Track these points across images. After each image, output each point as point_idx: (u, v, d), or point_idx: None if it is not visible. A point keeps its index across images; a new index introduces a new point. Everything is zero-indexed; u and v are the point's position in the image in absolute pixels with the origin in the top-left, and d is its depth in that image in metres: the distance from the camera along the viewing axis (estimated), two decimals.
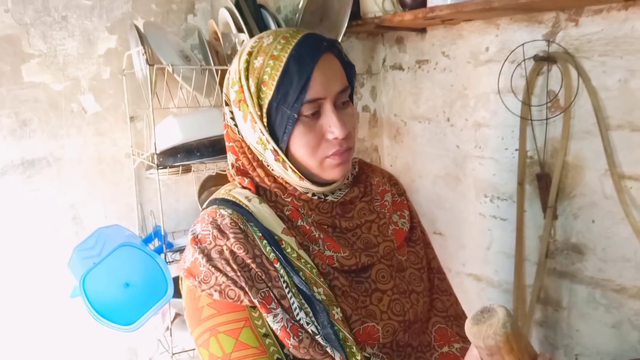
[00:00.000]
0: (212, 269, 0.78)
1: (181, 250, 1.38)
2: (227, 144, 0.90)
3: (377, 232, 0.89)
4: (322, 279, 0.81)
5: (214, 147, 1.33)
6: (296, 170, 0.83)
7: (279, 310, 0.77)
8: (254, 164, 0.86)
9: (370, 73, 1.89)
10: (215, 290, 0.78)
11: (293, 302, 0.78)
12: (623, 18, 1.20)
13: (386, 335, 0.83)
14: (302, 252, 0.82)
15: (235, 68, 0.84)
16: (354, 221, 0.89)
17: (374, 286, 0.85)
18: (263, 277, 0.79)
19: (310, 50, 0.80)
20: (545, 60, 1.32)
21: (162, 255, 1.33)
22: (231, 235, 0.79)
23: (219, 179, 1.53)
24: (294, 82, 0.79)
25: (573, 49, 1.28)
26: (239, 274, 0.77)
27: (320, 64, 0.80)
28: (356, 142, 0.88)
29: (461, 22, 1.53)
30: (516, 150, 1.43)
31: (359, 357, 0.78)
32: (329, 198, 0.87)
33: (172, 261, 1.37)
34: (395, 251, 0.90)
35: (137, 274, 1.28)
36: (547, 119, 1.34)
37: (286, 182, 0.86)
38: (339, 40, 1.53)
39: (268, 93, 0.80)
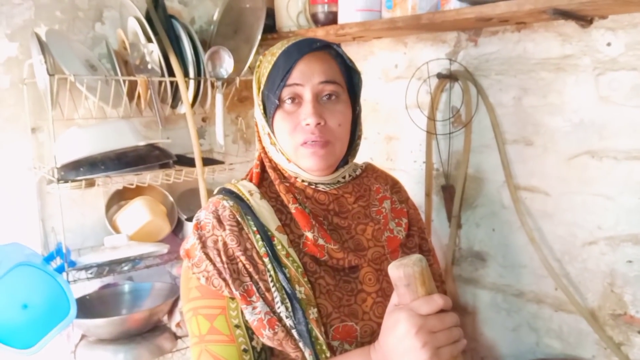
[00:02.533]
0: (204, 256, 0.85)
1: (86, 268, 1.33)
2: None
3: (370, 236, 0.95)
4: (305, 279, 0.86)
5: (120, 160, 1.29)
6: (284, 152, 0.91)
7: (259, 303, 0.84)
8: (265, 149, 0.96)
9: None
10: (203, 276, 0.85)
11: (276, 296, 0.84)
12: (516, 39, 1.28)
13: (364, 335, 0.88)
14: (291, 250, 0.88)
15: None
16: (347, 221, 0.94)
17: (360, 287, 0.91)
18: (251, 269, 0.85)
19: (300, 47, 0.90)
20: (447, 77, 1.38)
21: (64, 275, 1.27)
22: (227, 227, 0.86)
23: (127, 193, 1.49)
24: (279, 71, 0.88)
25: (473, 67, 1.36)
26: (225, 266, 0.84)
27: (307, 57, 0.89)
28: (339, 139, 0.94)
29: (372, 40, 1.58)
30: (424, 162, 1.49)
31: (328, 355, 0.84)
32: (320, 187, 0.93)
33: (76, 280, 1.31)
34: (387, 256, 0.95)
35: (37, 294, 1.22)
36: (450, 133, 1.41)
37: (283, 169, 0.94)
38: (253, 51, 1.54)
39: (263, 81, 0.91)
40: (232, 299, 0.85)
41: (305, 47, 0.89)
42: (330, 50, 0.92)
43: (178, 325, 1.48)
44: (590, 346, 1.23)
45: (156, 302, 1.45)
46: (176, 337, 1.49)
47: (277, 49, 0.92)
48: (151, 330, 1.44)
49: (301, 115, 0.89)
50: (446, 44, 1.42)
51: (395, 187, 1.08)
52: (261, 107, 0.93)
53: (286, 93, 0.89)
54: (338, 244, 0.90)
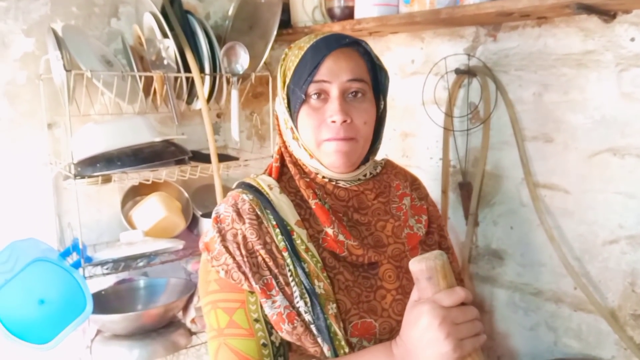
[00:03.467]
0: (224, 249, 0.84)
1: (102, 264, 1.33)
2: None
3: (390, 233, 0.94)
4: (324, 274, 0.86)
5: (136, 156, 1.29)
6: (307, 147, 0.90)
7: (278, 297, 0.83)
8: (285, 144, 0.95)
9: None
10: (223, 269, 0.84)
11: (295, 291, 0.84)
12: (537, 35, 1.26)
13: (383, 332, 0.88)
14: (310, 245, 0.87)
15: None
16: (367, 217, 0.93)
17: (379, 283, 0.90)
18: (270, 263, 0.84)
19: (329, 42, 0.89)
20: (466, 73, 1.36)
21: (80, 270, 1.27)
22: (247, 220, 0.86)
23: (143, 189, 1.49)
24: (307, 66, 0.88)
25: (492, 63, 1.34)
26: (245, 259, 0.83)
27: (335, 54, 0.88)
28: (363, 138, 0.93)
29: (388, 35, 1.57)
30: (440, 159, 1.47)
31: (347, 350, 0.84)
32: (341, 183, 0.92)
33: (92, 276, 1.32)
34: (406, 253, 0.94)
35: (54, 290, 1.23)
36: (468, 129, 1.39)
37: (304, 164, 0.93)
38: (269, 47, 1.53)
39: (289, 75, 0.90)
40: (252, 292, 0.84)
41: (334, 43, 0.89)
42: (358, 48, 0.91)
43: (193, 321, 1.48)
44: (609, 346, 1.21)
45: (171, 298, 1.45)
46: (191, 333, 1.49)
47: (305, 42, 0.91)
48: (166, 326, 1.44)
49: (327, 112, 0.88)
50: (464, 39, 1.40)
51: (414, 184, 1.07)
52: (285, 100, 0.92)
53: (313, 89, 0.88)
54: (358, 240, 0.89)
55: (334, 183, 0.92)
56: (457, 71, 1.38)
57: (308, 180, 0.92)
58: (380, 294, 0.90)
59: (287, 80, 0.91)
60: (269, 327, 0.84)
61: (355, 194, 0.94)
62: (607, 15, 1.12)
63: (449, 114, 1.42)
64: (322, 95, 0.89)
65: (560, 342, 1.30)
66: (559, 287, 1.29)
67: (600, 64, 1.16)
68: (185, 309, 1.48)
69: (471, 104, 1.39)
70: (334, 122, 0.87)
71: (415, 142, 1.56)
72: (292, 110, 0.91)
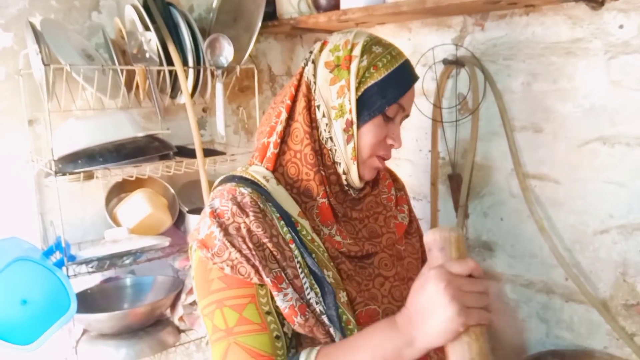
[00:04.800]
0: (228, 244, 0.80)
1: (87, 262, 1.30)
2: (287, 101, 0.93)
3: (382, 223, 0.97)
4: (332, 263, 0.86)
5: (119, 152, 1.26)
6: (357, 147, 0.90)
7: (289, 289, 0.81)
8: (313, 124, 0.91)
9: (290, 75, 1.87)
10: (227, 265, 0.80)
11: (305, 282, 0.82)
12: (525, 23, 1.24)
13: (386, 318, 0.86)
14: (315, 236, 0.87)
15: (347, 39, 0.92)
16: (363, 212, 0.96)
17: (377, 271, 0.92)
18: (278, 256, 0.82)
19: (413, 71, 0.95)
20: (454, 63, 1.35)
21: (64, 269, 1.24)
22: (251, 214, 0.82)
23: (128, 185, 1.46)
24: (400, 82, 0.90)
25: (480, 52, 1.32)
26: (253, 252, 0.80)
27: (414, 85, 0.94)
28: None
29: (375, 25, 1.54)
30: (429, 151, 1.46)
31: None
32: (350, 191, 0.94)
33: (76, 274, 1.29)
34: (396, 242, 0.98)
35: (37, 289, 1.20)
36: (456, 120, 1.38)
37: (328, 156, 0.91)
38: (253, 39, 1.50)
39: (375, 76, 0.88)
40: (261, 285, 0.82)
41: (415, 73, 0.95)
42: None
43: (181, 319, 1.46)
44: (601, 337, 1.21)
45: (158, 296, 1.43)
46: (179, 331, 1.47)
47: (394, 51, 0.92)
48: (154, 324, 1.42)
49: (390, 133, 0.93)
50: (452, 29, 1.38)
51: (392, 175, 1.11)
52: (358, 92, 0.89)
53: (393, 109, 0.91)
54: (352, 237, 0.91)
55: (345, 188, 0.94)
56: (445, 61, 1.36)
57: (324, 174, 0.91)
58: (379, 281, 0.92)
59: (371, 77, 0.89)
60: (281, 319, 0.82)
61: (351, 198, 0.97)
62: (595, 2, 1.10)
63: (437, 105, 1.40)
64: (393, 117, 0.92)
65: (552, 333, 1.29)
66: (550, 278, 1.28)
67: (589, 52, 1.15)
68: (173, 306, 1.46)
69: (460, 95, 1.38)
70: (392, 145, 0.93)
71: (404, 134, 1.51)
72: (364, 110, 0.89)
